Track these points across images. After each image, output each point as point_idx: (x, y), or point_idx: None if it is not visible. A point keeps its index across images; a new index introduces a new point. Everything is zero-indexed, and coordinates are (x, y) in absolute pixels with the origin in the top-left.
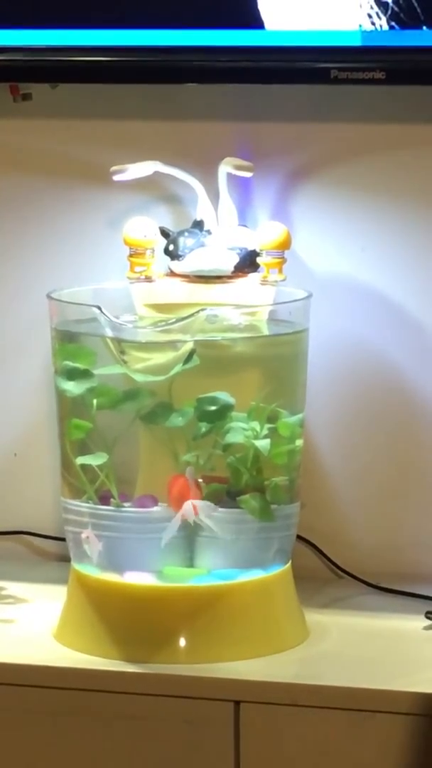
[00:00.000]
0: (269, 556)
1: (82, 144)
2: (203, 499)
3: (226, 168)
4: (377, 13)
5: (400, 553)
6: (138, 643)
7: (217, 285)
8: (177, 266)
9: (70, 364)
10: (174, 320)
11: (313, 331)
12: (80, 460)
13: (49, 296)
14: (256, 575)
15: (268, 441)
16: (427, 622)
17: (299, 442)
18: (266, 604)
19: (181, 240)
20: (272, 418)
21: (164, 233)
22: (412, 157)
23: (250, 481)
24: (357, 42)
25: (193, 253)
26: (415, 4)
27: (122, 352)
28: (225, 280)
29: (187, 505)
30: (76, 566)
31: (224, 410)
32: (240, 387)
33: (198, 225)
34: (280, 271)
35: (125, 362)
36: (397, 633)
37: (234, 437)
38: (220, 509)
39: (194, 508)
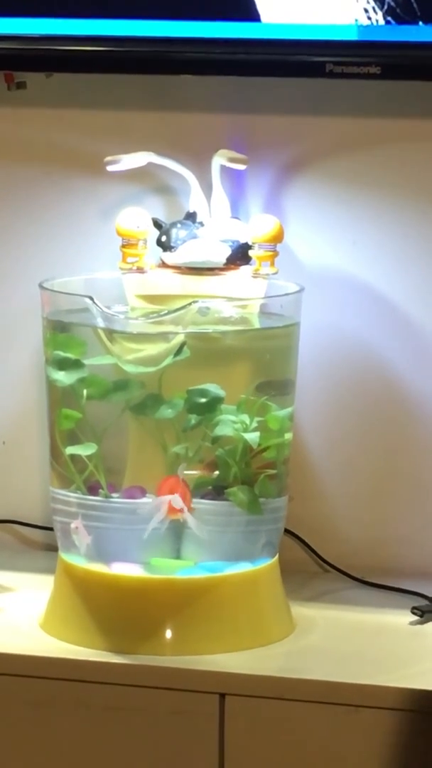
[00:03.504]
0: (257, 549)
1: (76, 133)
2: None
3: (219, 160)
4: (373, 8)
5: (387, 548)
6: (124, 634)
7: (209, 277)
8: (169, 257)
9: (60, 354)
10: (166, 312)
11: (303, 325)
12: (69, 450)
13: (41, 286)
14: (243, 568)
15: (257, 434)
16: (413, 618)
17: (288, 436)
18: (253, 597)
19: (174, 231)
20: (262, 411)
21: (157, 224)
22: (405, 152)
23: (239, 474)
24: (353, 36)
25: (185, 244)
26: (412, 0)
27: (111, 341)
28: (217, 273)
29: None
30: (64, 556)
31: (214, 403)
32: (230, 380)
33: (191, 217)
34: (272, 264)
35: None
36: (383, 628)
37: (223, 430)
38: (208, 501)
39: (170, 505)
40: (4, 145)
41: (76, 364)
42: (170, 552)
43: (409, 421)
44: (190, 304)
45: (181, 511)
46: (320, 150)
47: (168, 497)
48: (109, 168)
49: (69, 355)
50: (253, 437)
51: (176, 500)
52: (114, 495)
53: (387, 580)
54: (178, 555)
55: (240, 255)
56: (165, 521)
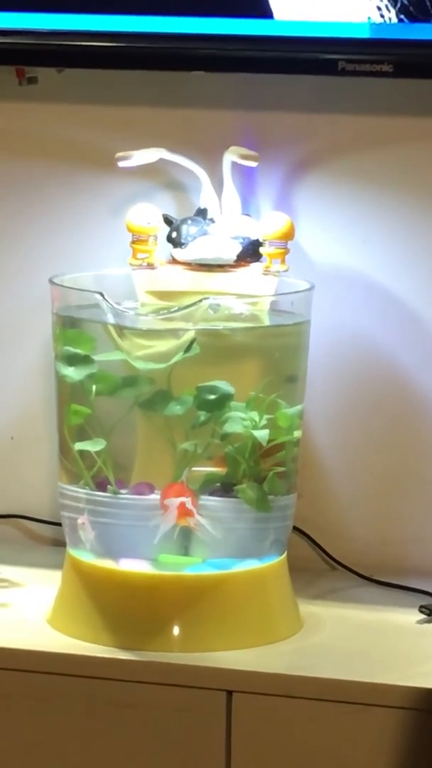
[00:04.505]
0: (265, 546)
1: (87, 129)
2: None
3: (231, 157)
4: (386, 6)
5: (395, 546)
6: (132, 631)
7: (219, 274)
8: (179, 254)
9: (70, 349)
10: (176, 308)
11: (313, 322)
12: (78, 446)
13: (51, 281)
14: (251, 565)
15: (266, 431)
16: (421, 616)
17: (297, 434)
18: (261, 595)
19: (184, 228)
20: (271, 409)
21: (167, 220)
22: (416, 151)
23: (248, 471)
24: (365, 34)
25: (195, 241)
26: None
27: (121, 337)
28: (227, 269)
29: (174, 508)
30: (72, 551)
31: (223, 399)
32: (240, 377)
33: (201, 213)
34: (283, 261)
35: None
36: (391, 626)
37: (232, 427)
38: (217, 498)
39: (183, 509)
40: (15, 140)
41: (85, 360)
42: (178, 549)
43: (418, 420)
44: (200, 300)
45: (192, 515)
46: (331, 148)
47: (179, 500)
48: (121, 164)
49: (78, 350)
50: (262, 434)
51: (188, 503)
52: (122, 491)
53: (395, 578)
54: (186, 552)
55: (251, 252)
56: (175, 527)
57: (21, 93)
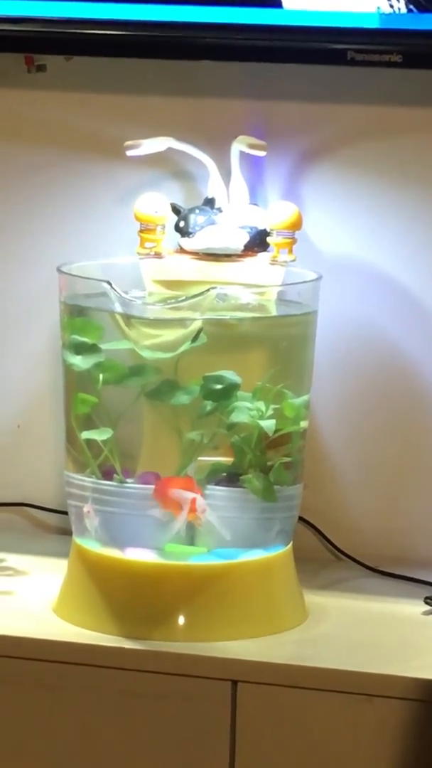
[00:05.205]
0: (271, 536)
1: (95, 117)
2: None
3: (239, 146)
4: None
5: (400, 537)
6: (137, 620)
7: (227, 263)
8: (187, 243)
9: (77, 338)
10: (183, 298)
11: (320, 313)
12: (85, 435)
13: (59, 270)
14: (256, 555)
15: (272, 421)
16: (426, 608)
17: (304, 424)
18: (266, 585)
19: (192, 217)
20: (277, 399)
21: (175, 210)
22: (425, 141)
23: (254, 461)
24: (375, 24)
25: (203, 230)
26: None
27: (128, 326)
28: (234, 259)
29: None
30: (78, 540)
31: (230, 389)
32: (246, 367)
33: (209, 202)
34: (290, 251)
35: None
36: (396, 617)
37: (239, 417)
38: (223, 488)
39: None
40: (23, 127)
41: (92, 349)
42: (184, 538)
43: (424, 410)
44: (207, 290)
45: (202, 512)
46: (340, 137)
47: (191, 495)
48: (129, 153)
49: (86, 339)
50: (268, 424)
51: (200, 501)
52: (128, 480)
53: (400, 569)
54: (191, 541)
55: (258, 241)
56: (184, 523)
57: (30, 81)
